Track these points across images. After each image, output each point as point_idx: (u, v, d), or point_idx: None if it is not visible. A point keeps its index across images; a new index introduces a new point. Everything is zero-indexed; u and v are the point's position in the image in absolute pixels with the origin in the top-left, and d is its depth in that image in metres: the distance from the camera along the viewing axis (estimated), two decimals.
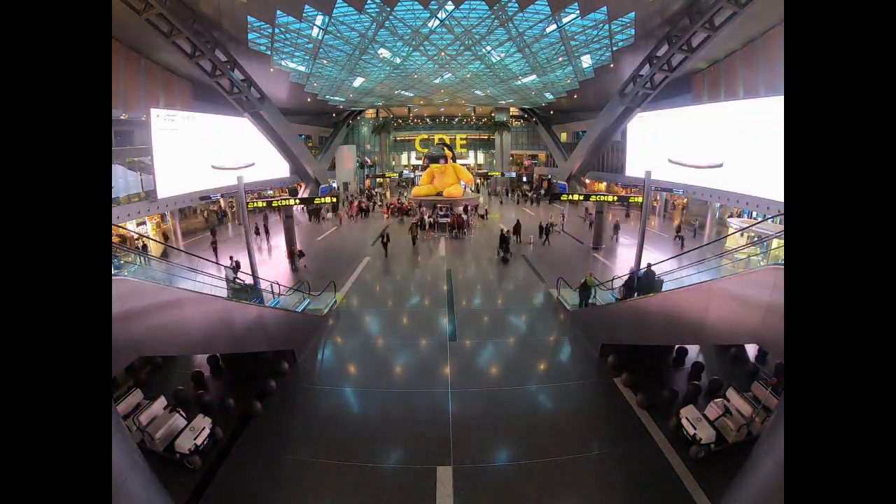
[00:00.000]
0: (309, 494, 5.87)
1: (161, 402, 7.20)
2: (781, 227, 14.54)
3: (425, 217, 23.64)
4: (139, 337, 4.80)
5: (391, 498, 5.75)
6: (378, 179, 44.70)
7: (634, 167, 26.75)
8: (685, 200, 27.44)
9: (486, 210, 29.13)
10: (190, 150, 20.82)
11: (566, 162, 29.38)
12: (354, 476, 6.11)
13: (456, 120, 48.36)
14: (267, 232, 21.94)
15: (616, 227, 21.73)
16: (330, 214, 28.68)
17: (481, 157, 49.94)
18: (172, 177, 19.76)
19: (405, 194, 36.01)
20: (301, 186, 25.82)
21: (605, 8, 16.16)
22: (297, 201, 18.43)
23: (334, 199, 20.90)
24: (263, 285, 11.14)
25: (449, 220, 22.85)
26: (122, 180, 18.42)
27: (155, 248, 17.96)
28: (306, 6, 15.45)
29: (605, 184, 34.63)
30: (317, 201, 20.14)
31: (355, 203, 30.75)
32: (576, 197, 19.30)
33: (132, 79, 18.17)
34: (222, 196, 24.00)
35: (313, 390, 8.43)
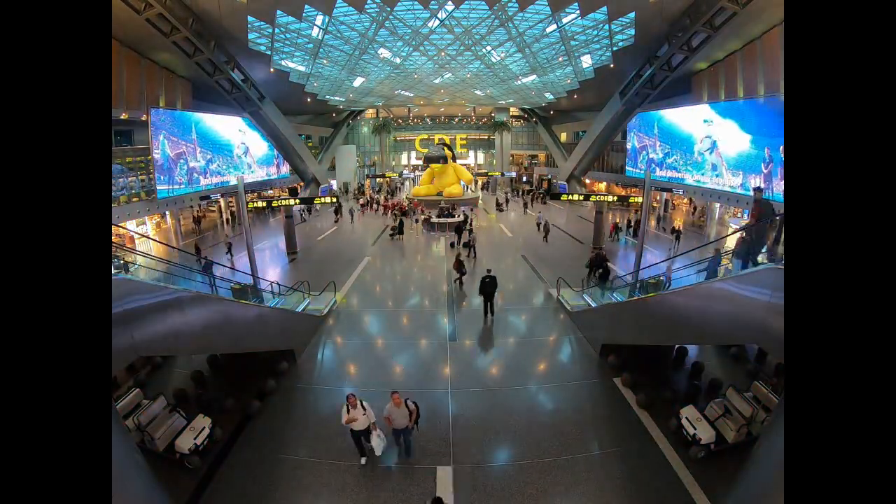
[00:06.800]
0: (308, 494, 5.87)
1: (161, 402, 7.19)
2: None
3: (430, 217, 23.61)
4: (139, 337, 4.80)
5: (390, 498, 5.75)
6: (378, 179, 44.66)
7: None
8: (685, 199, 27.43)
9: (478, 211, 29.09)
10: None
11: (566, 162, 29.38)
12: (354, 476, 6.11)
13: (456, 120, 48.33)
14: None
15: (623, 228, 21.75)
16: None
17: (481, 157, 49.92)
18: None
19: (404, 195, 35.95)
20: (301, 186, 25.81)
21: (605, 8, 16.16)
22: (297, 201, 18.44)
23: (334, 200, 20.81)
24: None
25: (452, 219, 22.78)
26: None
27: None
28: (306, 6, 15.46)
29: (604, 184, 34.61)
30: (317, 201, 20.16)
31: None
32: (576, 197, 19.30)
33: (132, 79, 18.16)
34: (222, 196, 23.99)
35: (313, 390, 8.43)
